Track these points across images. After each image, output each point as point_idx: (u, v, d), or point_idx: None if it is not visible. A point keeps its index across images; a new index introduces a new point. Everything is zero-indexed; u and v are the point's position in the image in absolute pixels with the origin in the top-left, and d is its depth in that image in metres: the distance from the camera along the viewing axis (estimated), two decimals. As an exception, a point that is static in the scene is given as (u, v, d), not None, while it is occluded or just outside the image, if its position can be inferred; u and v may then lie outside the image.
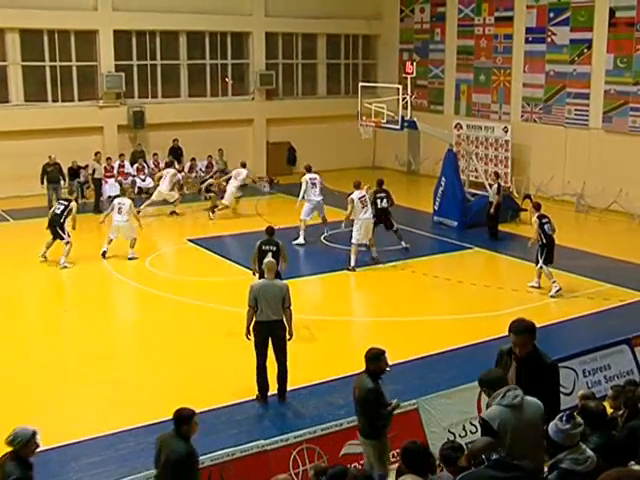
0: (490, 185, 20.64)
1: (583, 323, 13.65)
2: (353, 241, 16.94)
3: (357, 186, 17.32)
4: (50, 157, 22.43)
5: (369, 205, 17.18)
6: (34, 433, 6.38)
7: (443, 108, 28.52)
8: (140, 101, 26.48)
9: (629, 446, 6.40)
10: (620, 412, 7.38)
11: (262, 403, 10.55)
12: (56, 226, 17.12)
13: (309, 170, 19.69)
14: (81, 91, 25.76)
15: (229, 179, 22.47)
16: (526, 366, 6.74)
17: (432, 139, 23.69)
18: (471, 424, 9.09)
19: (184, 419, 6.79)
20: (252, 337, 10.50)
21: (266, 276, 10.76)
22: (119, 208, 17.63)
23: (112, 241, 17.65)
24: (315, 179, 19.45)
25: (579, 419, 5.56)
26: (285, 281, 11.20)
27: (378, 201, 17.79)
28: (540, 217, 15.27)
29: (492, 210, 19.49)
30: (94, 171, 23.23)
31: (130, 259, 17.38)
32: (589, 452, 5.49)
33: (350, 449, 8.49)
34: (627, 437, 6.70)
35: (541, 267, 15.19)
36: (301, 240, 18.85)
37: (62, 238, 17.02)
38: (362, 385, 7.81)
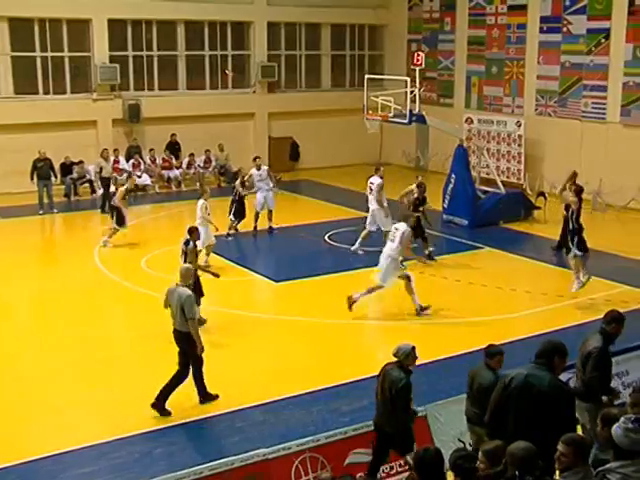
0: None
1: (599, 326, 13.57)
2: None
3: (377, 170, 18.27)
4: (40, 152, 22.43)
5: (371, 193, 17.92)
6: (414, 347, 8.21)
7: (453, 101, 28.48)
8: (136, 94, 26.48)
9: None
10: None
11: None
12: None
13: (376, 171, 18.59)
14: (74, 83, 25.78)
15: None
16: None
17: (441, 134, 23.65)
18: (482, 432, 9.06)
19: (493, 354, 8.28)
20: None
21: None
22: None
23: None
24: (372, 183, 18.29)
25: None
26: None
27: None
28: (580, 199, 14.93)
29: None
30: (101, 169, 22.83)
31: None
32: None
33: (355, 458, 8.47)
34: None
35: (575, 255, 14.78)
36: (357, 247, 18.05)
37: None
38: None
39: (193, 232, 13.34)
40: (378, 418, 8.39)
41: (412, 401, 8.24)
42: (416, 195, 17.69)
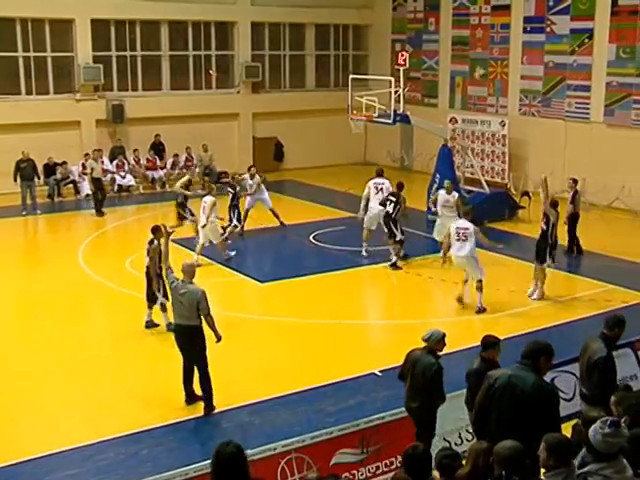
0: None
1: (584, 326, 13.66)
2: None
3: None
4: (23, 153, 22.32)
5: (380, 193, 17.65)
6: (444, 335, 8.45)
7: (437, 101, 28.58)
8: (119, 94, 26.41)
9: (633, 455, 6.42)
10: (622, 419, 7.35)
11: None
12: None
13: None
14: (57, 83, 25.68)
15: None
16: None
17: (426, 134, 23.71)
18: (467, 432, 9.11)
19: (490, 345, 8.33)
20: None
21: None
22: None
23: None
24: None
25: (625, 431, 5.55)
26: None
27: (387, 203, 17.26)
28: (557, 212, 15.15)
29: (564, 220, 17.83)
30: (92, 170, 22.50)
31: None
32: (629, 472, 5.50)
33: (341, 458, 8.49)
34: (631, 445, 6.70)
35: (549, 266, 15.01)
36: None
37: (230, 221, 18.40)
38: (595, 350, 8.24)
39: (157, 231, 13.36)
40: (409, 403, 8.56)
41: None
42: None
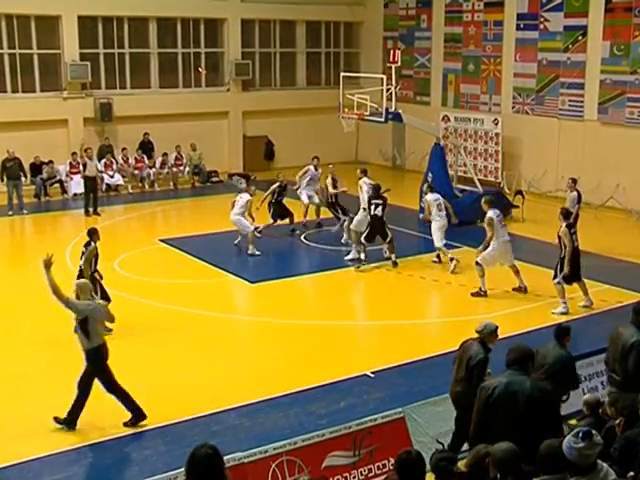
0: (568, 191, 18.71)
1: (579, 326, 13.65)
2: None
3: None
4: (9, 151, 22.24)
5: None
6: (497, 327, 8.72)
7: (430, 99, 28.58)
8: (107, 92, 26.33)
9: (627, 457, 6.40)
10: (617, 421, 7.33)
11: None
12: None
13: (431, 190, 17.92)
14: (43, 81, 25.57)
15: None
16: None
17: (418, 132, 23.71)
18: (462, 433, 9.11)
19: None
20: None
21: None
22: None
23: None
24: (438, 199, 17.48)
25: (598, 438, 5.48)
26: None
27: (373, 207, 17.16)
28: (569, 226, 14.39)
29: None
30: (85, 168, 22.40)
31: None
32: (612, 477, 5.43)
33: (332, 461, 8.47)
34: (624, 448, 6.69)
35: (559, 282, 14.45)
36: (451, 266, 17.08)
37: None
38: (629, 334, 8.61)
39: (94, 234, 13.53)
40: (454, 388, 8.77)
41: (490, 375, 8.50)
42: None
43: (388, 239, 17.23)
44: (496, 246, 15.18)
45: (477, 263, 15.31)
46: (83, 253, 13.43)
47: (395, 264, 17.14)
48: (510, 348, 7.37)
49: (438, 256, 17.46)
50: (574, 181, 18.31)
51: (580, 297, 14.83)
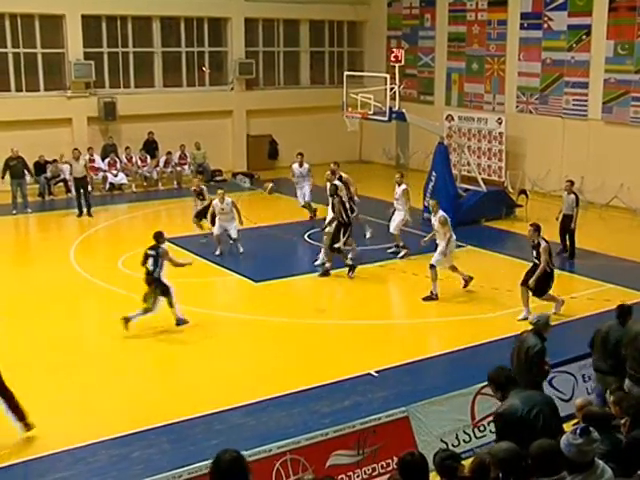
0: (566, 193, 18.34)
1: (583, 325, 13.64)
2: None
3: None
4: (12, 150, 22.22)
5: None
6: (549, 317, 9.49)
7: (433, 98, 28.56)
8: (111, 91, 26.35)
9: (635, 457, 6.38)
10: (623, 420, 7.29)
11: None
12: None
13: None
14: (47, 80, 25.61)
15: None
16: None
17: (422, 131, 23.71)
18: (464, 432, 9.10)
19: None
20: None
21: None
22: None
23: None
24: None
25: (595, 434, 5.50)
26: None
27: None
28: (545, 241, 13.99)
29: (572, 225, 17.60)
30: (71, 168, 22.46)
31: None
32: (608, 474, 5.44)
33: (337, 460, 8.46)
34: (631, 448, 6.67)
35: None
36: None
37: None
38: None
39: (159, 236, 13.68)
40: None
41: (547, 363, 9.16)
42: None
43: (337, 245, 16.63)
44: (450, 246, 15.37)
45: (432, 266, 15.10)
46: (151, 256, 13.40)
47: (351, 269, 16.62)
48: (496, 372, 7.36)
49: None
50: (572, 183, 18.26)
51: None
